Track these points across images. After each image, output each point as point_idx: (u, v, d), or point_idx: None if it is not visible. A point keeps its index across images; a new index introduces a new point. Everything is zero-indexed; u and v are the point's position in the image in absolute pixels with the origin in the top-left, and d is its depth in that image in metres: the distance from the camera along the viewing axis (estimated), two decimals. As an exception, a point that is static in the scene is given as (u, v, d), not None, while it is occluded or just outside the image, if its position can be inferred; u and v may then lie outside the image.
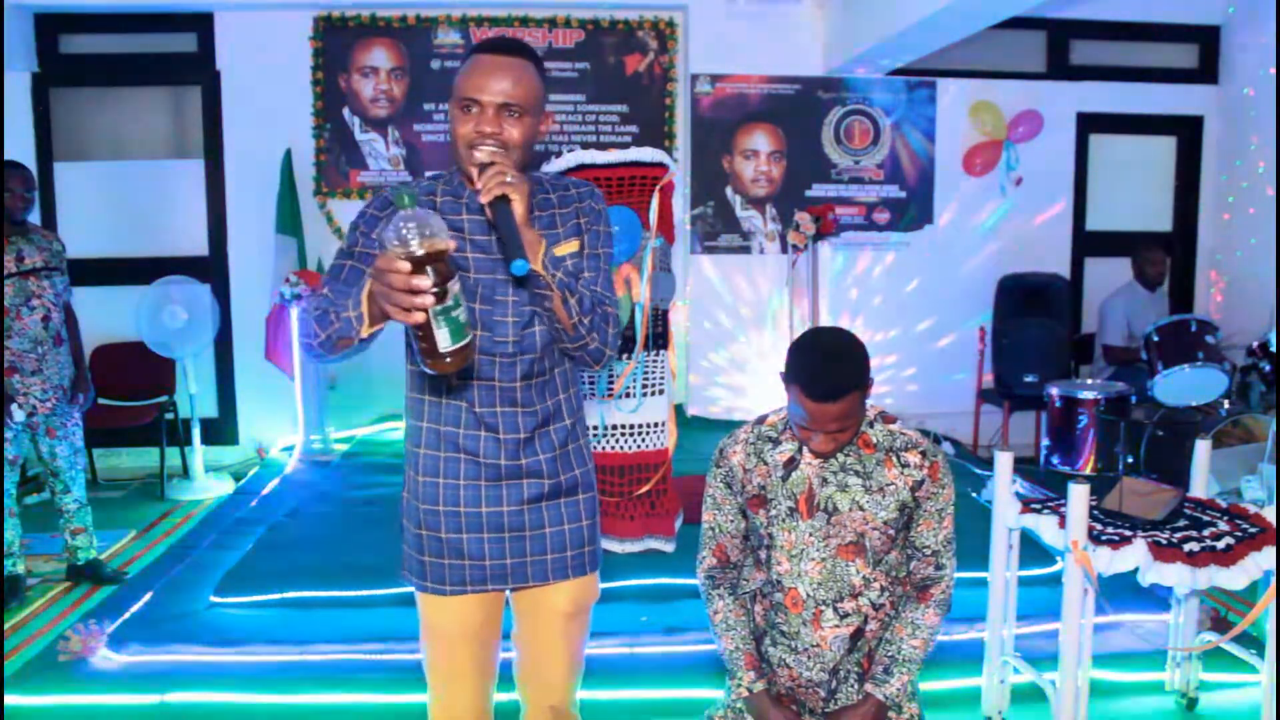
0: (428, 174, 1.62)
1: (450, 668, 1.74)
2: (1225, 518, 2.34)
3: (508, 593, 1.75)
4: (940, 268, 5.82)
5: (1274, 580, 2.15)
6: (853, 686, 1.79)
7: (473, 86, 1.53)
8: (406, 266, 1.26)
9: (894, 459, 1.76)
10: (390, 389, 5.55)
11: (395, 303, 1.28)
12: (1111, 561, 2.15)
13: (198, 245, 5.53)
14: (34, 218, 3.91)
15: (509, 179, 1.48)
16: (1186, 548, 2.15)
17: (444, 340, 1.31)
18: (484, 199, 1.47)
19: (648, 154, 3.19)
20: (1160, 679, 2.72)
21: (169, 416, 5.13)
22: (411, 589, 1.74)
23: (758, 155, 5.67)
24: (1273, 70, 5.41)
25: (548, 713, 1.82)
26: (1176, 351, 4.18)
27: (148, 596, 3.31)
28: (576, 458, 1.73)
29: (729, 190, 5.68)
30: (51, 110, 5.37)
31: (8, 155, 3.69)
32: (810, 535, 1.76)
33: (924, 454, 1.77)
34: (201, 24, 5.37)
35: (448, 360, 1.33)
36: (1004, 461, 2.48)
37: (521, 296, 1.62)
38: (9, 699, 2.68)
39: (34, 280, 3.43)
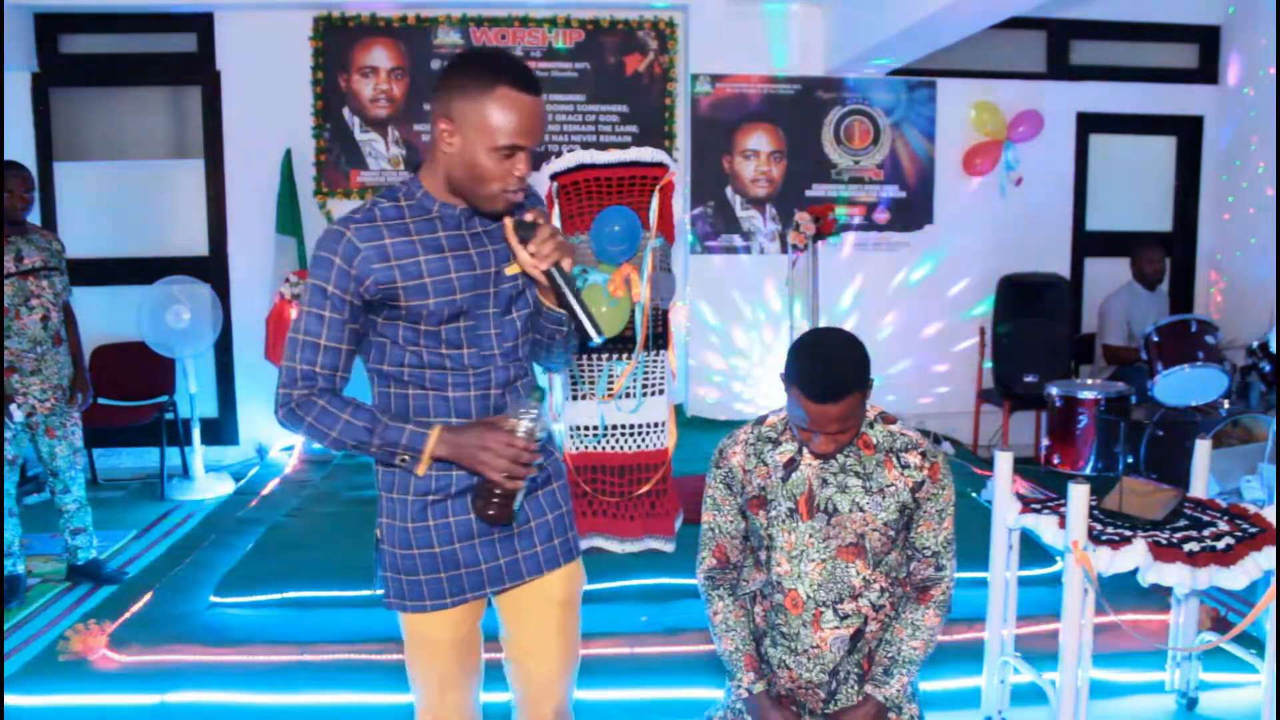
0: (383, 190, 1.60)
1: (444, 677, 1.73)
2: (1225, 518, 2.34)
3: (491, 596, 1.75)
4: (940, 268, 5.82)
5: (1274, 580, 2.15)
6: (853, 687, 1.79)
7: (520, 132, 1.50)
8: (535, 446, 1.55)
9: (894, 460, 1.76)
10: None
11: (509, 471, 1.54)
12: (1111, 561, 2.15)
13: (198, 245, 5.53)
14: (34, 218, 3.92)
15: (560, 240, 1.56)
16: (1186, 548, 2.15)
17: (513, 502, 1.60)
18: (542, 266, 1.56)
19: (648, 154, 3.19)
20: (1160, 679, 2.72)
21: (169, 416, 5.13)
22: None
23: (758, 155, 5.67)
24: (1273, 70, 5.41)
25: (550, 716, 1.81)
26: (1176, 351, 4.18)
27: (148, 596, 3.31)
28: (544, 450, 1.72)
29: (729, 190, 5.68)
30: (51, 110, 5.37)
31: (8, 155, 3.69)
32: (810, 536, 1.76)
33: (924, 455, 1.77)
34: (201, 24, 5.37)
35: (493, 513, 1.58)
36: (1004, 461, 2.48)
37: (501, 306, 1.64)
38: (9, 699, 2.68)
39: (33, 280, 3.43)
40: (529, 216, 1.58)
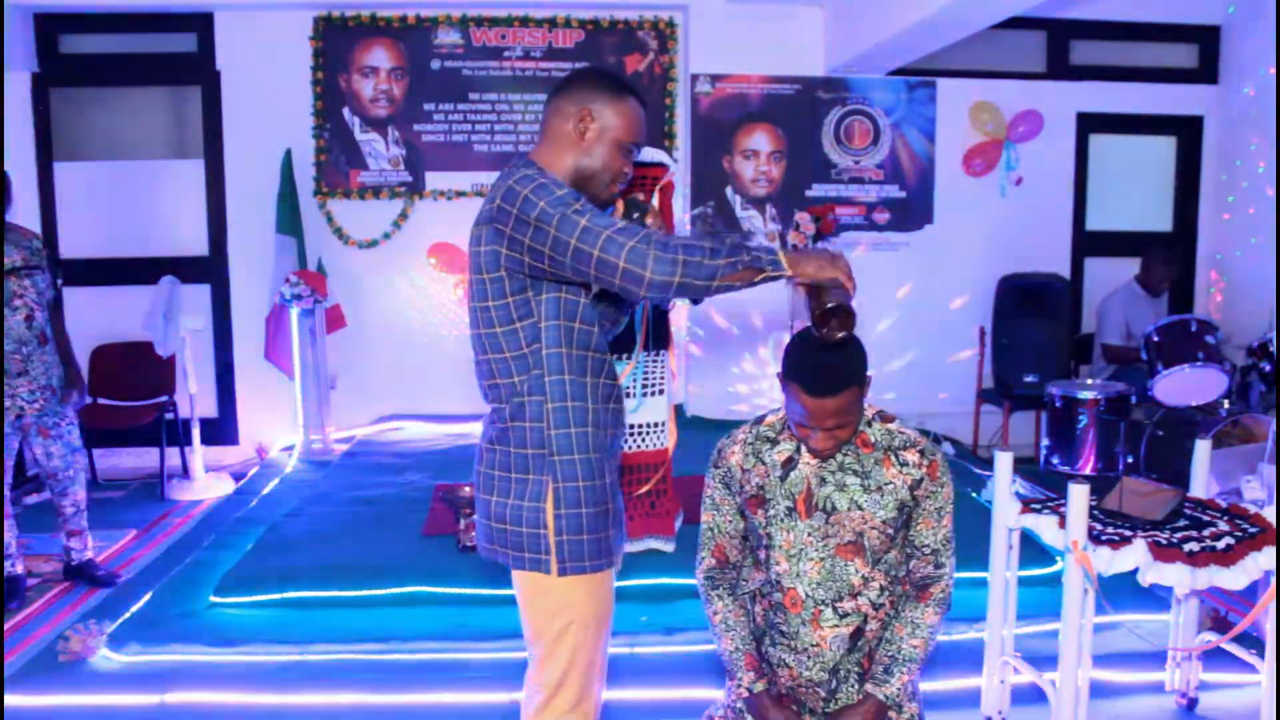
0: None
1: (600, 655, 1.74)
2: (1225, 518, 2.34)
3: (553, 570, 1.69)
4: (940, 268, 5.82)
5: (1274, 580, 2.15)
6: (853, 686, 1.79)
7: (640, 135, 1.79)
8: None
9: (892, 458, 1.76)
10: (390, 389, 5.55)
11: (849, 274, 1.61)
12: (1111, 561, 2.15)
13: (198, 245, 5.53)
14: (34, 218, 3.91)
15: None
16: (1186, 548, 2.15)
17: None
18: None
19: (648, 154, 3.18)
20: (1160, 679, 2.72)
21: (169, 416, 5.13)
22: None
23: (758, 155, 5.67)
24: (1273, 70, 5.41)
25: None
26: (1176, 351, 4.17)
27: (148, 596, 3.31)
28: None
29: (729, 190, 5.68)
30: (51, 110, 5.36)
31: (8, 155, 3.69)
32: (809, 535, 1.76)
33: (922, 453, 1.77)
34: (201, 24, 5.37)
35: (850, 316, 1.60)
36: (1004, 461, 2.48)
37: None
38: (9, 699, 2.68)
39: (14, 280, 3.40)
40: (640, 196, 1.71)
